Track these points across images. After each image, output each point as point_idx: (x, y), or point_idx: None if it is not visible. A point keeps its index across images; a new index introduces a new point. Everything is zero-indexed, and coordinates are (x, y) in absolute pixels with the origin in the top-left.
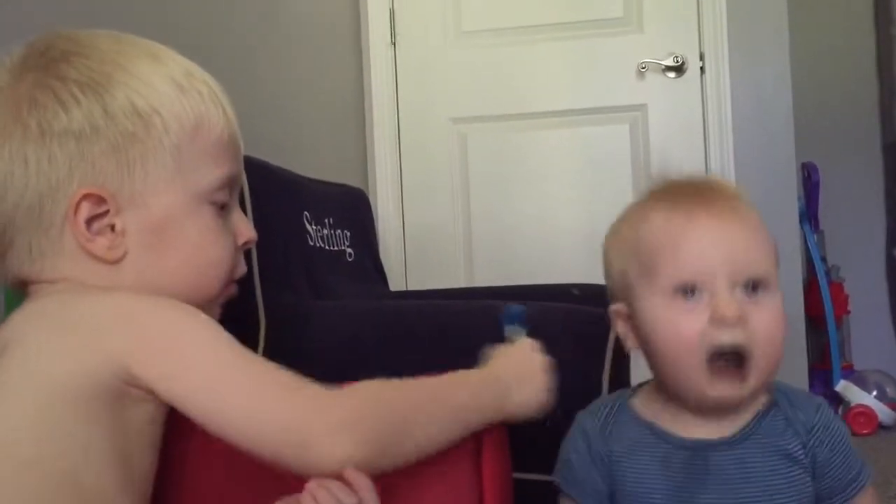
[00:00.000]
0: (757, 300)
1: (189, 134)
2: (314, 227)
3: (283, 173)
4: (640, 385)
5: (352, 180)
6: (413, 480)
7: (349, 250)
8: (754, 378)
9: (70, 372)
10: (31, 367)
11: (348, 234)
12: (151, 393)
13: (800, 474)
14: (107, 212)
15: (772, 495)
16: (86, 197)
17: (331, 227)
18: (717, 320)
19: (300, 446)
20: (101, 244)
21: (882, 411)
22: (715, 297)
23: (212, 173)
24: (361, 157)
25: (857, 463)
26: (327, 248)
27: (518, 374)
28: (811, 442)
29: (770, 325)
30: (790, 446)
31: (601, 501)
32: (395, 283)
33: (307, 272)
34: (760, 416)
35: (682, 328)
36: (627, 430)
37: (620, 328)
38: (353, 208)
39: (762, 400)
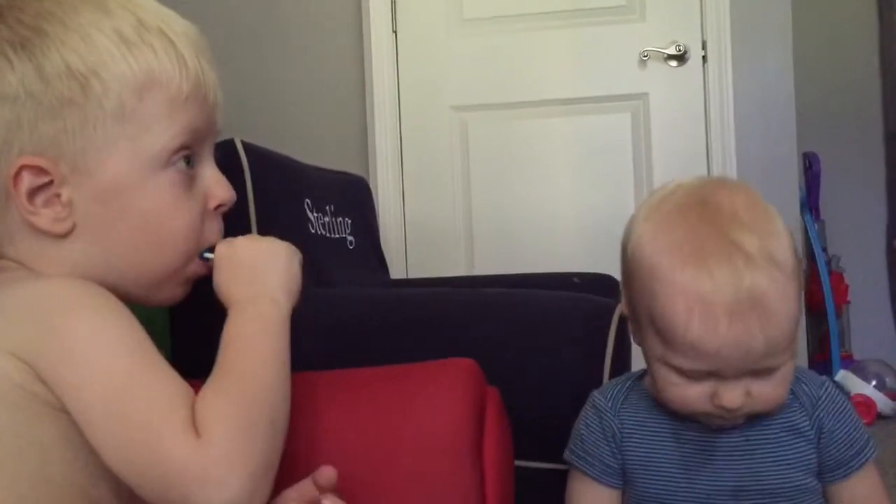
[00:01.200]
0: (765, 377)
1: (135, 94)
2: (315, 215)
3: (285, 161)
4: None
5: (353, 168)
6: (414, 468)
7: (350, 238)
8: (753, 420)
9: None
10: None
11: (349, 221)
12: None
13: (804, 446)
14: (51, 182)
15: (778, 467)
16: (24, 168)
17: (332, 214)
18: (718, 406)
19: (175, 497)
20: (46, 217)
21: (881, 401)
22: (722, 383)
23: (166, 134)
24: (362, 144)
25: (862, 437)
26: (328, 235)
27: (240, 276)
28: (816, 413)
29: (773, 394)
30: (795, 420)
31: (610, 475)
32: (396, 271)
33: (308, 259)
34: None
35: (687, 397)
36: (639, 407)
37: (629, 325)
38: (354, 196)
39: None
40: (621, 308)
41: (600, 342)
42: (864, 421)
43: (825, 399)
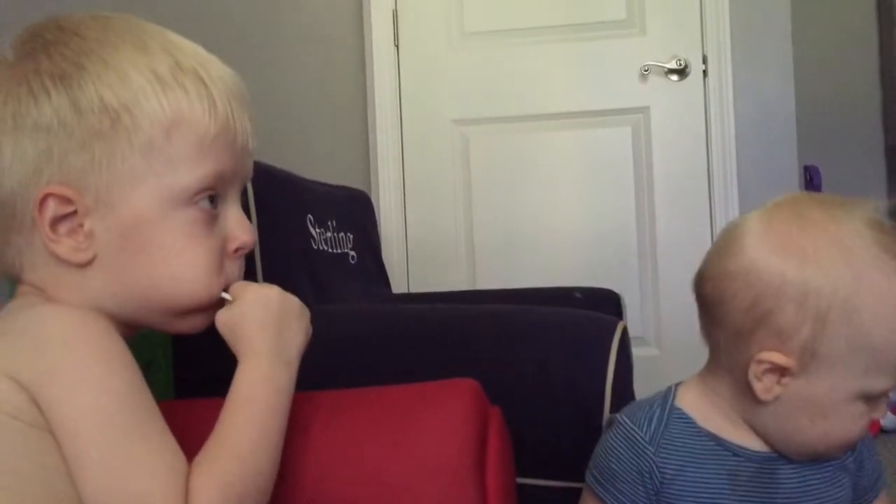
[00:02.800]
0: None
1: (163, 132)
2: (317, 230)
3: (286, 176)
4: (678, 385)
5: (354, 182)
6: (416, 490)
7: (352, 253)
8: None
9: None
10: None
11: (351, 236)
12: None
13: (845, 480)
14: (75, 212)
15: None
16: (50, 196)
17: (334, 229)
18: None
19: None
20: (66, 246)
21: (884, 415)
22: (882, 403)
23: (191, 174)
24: (364, 159)
25: (879, 462)
26: (330, 250)
27: (269, 326)
28: (857, 445)
29: None
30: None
31: None
32: (398, 286)
33: (311, 275)
34: None
35: (854, 432)
36: (685, 442)
37: (767, 380)
38: (356, 211)
39: None
40: (785, 362)
41: (602, 359)
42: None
43: None
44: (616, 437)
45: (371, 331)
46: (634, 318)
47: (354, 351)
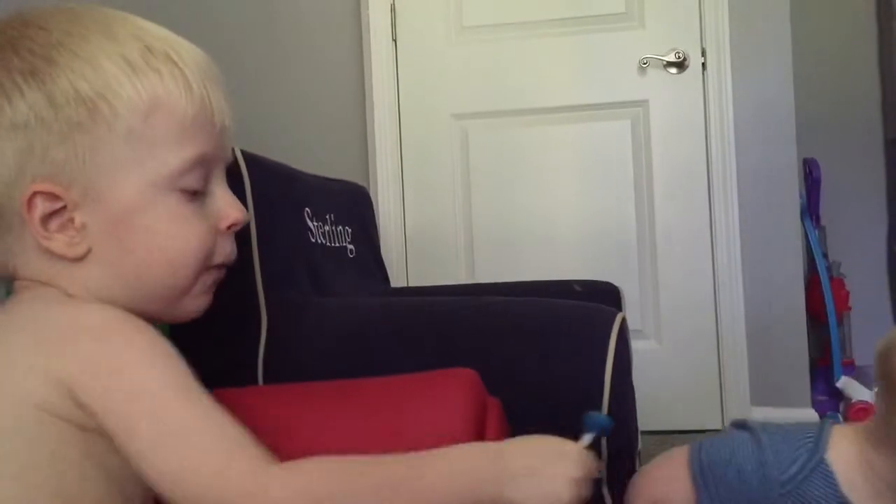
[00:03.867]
0: None
1: (141, 117)
2: (315, 224)
3: (284, 169)
4: (834, 428)
5: (353, 176)
6: None
7: (350, 247)
8: None
9: (25, 389)
10: (4, 382)
11: (350, 230)
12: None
13: None
14: (64, 207)
15: None
16: (37, 194)
17: (332, 223)
18: None
19: None
20: (60, 241)
21: None
22: None
23: (174, 157)
24: (363, 153)
25: None
26: (329, 244)
27: (535, 465)
28: None
29: None
30: None
31: None
32: (396, 280)
33: (309, 269)
34: None
35: None
36: (818, 502)
37: None
38: (355, 204)
39: None
40: None
41: (601, 350)
42: None
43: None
44: (748, 454)
45: (370, 323)
46: (633, 312)
47: (353, 343)
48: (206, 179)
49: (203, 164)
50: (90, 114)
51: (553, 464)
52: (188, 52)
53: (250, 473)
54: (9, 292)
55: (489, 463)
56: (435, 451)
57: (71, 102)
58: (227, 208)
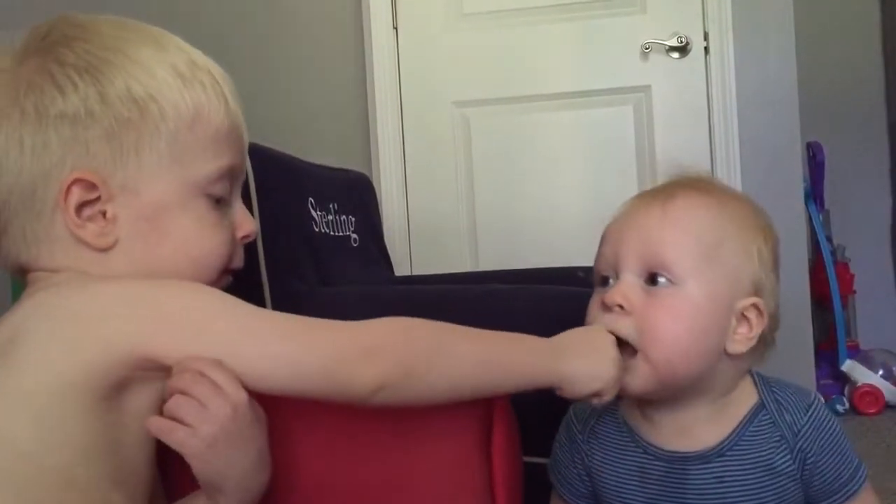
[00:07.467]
0: (655, 293)
1: (187, 124)
2: (319, 213)
3: (287, 159)
4: None
5: (355, 165)
6: (422, 462)
7: (354, 236)
8: (643, 372)
9: (70, 364)
10: (34, 361)
11: (353, 219)
12: (166, 371)
13: (784, 484)
14: (98, 198)
15: None
16: (76, 182)
17: (335, 212)
18: (602, 306)
19: (342, 377)
20: (90, 230)
21: (888, 390)
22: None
23: (209, 164)
24: (365, 141)
25: (851, 464)
26: (332, 233)
27: (581, 345)
28: (799, 444)
29: (661, 321)
30: (774, 457)
31: (582, 497)
32: (400, 268)
33: (313, 258)
34: (743, 425)
35: (590, 315)
36: (609, 433)
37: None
38: (358, 193)
39: (747, 405)
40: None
41: None
42: (871, 411)
43: (808, 429)
44: (564, 422)
45: (374, 313)
46: None
47: None
48: (230, 190)
49: (231, 174)
50: (141, 113)
51: (595, 341)
52: (220, 70)
53: (340, 330)
54: (14, 284)
55: (551, 344)
56: (509, 334)
57: (123, 101)
58: (243, 219)
